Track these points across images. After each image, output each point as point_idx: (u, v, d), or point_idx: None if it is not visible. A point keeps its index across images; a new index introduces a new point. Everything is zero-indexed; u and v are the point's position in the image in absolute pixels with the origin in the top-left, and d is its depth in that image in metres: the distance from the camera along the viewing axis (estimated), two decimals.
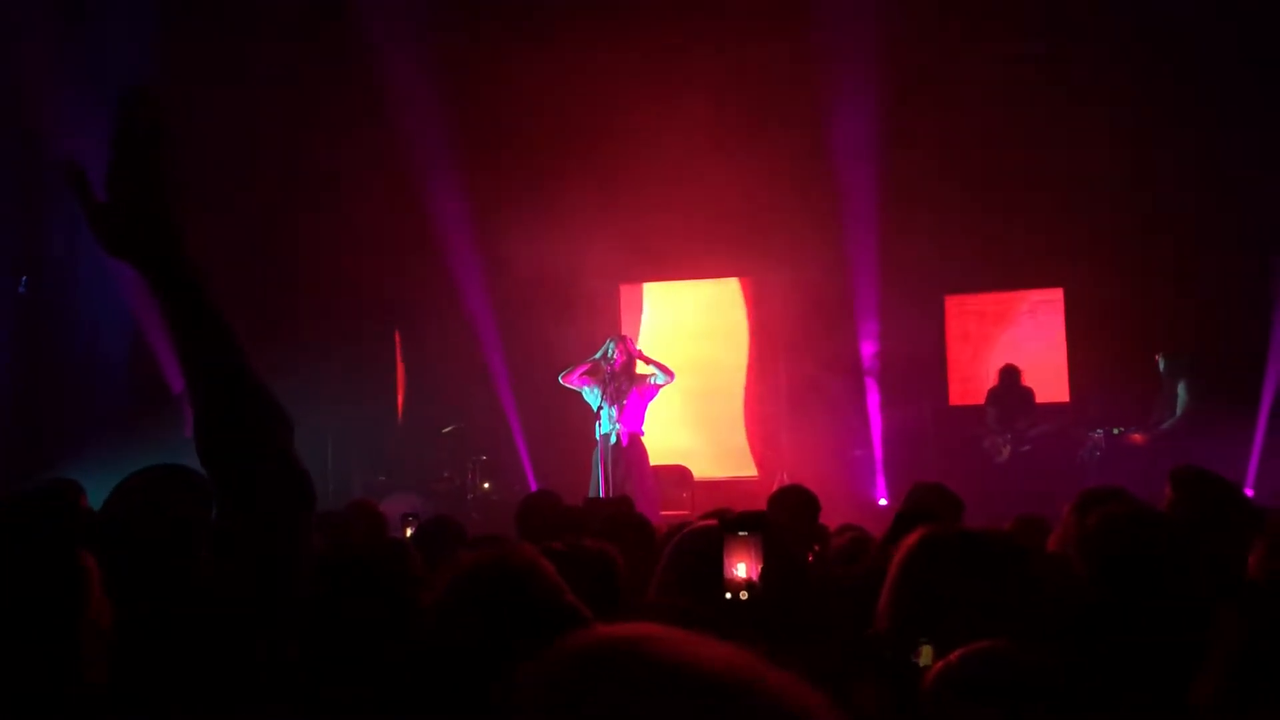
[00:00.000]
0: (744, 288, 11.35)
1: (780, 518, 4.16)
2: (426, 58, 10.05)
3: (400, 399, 11.67)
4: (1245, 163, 9.65)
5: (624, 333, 9.55)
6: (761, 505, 4.41)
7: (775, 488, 9.44)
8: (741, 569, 2.28)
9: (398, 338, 11.73)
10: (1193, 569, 2.68)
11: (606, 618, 1.76)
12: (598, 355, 8.70)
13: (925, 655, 1.84)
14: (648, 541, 3.55)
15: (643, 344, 9.06)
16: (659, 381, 8.62)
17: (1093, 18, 10.14)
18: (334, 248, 10.38)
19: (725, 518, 3.22)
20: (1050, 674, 1.67)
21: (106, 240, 1.40)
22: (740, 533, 2.30)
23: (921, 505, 4.16)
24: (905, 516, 3.50)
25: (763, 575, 2.26)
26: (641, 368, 8.63)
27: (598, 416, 8.53)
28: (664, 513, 8.44)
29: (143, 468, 2.83)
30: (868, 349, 10.64)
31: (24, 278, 9.76)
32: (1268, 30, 9.48)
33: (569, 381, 8.74)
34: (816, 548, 3.85)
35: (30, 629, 1.52)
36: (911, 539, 2.42)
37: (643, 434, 8.65)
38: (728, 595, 2.26)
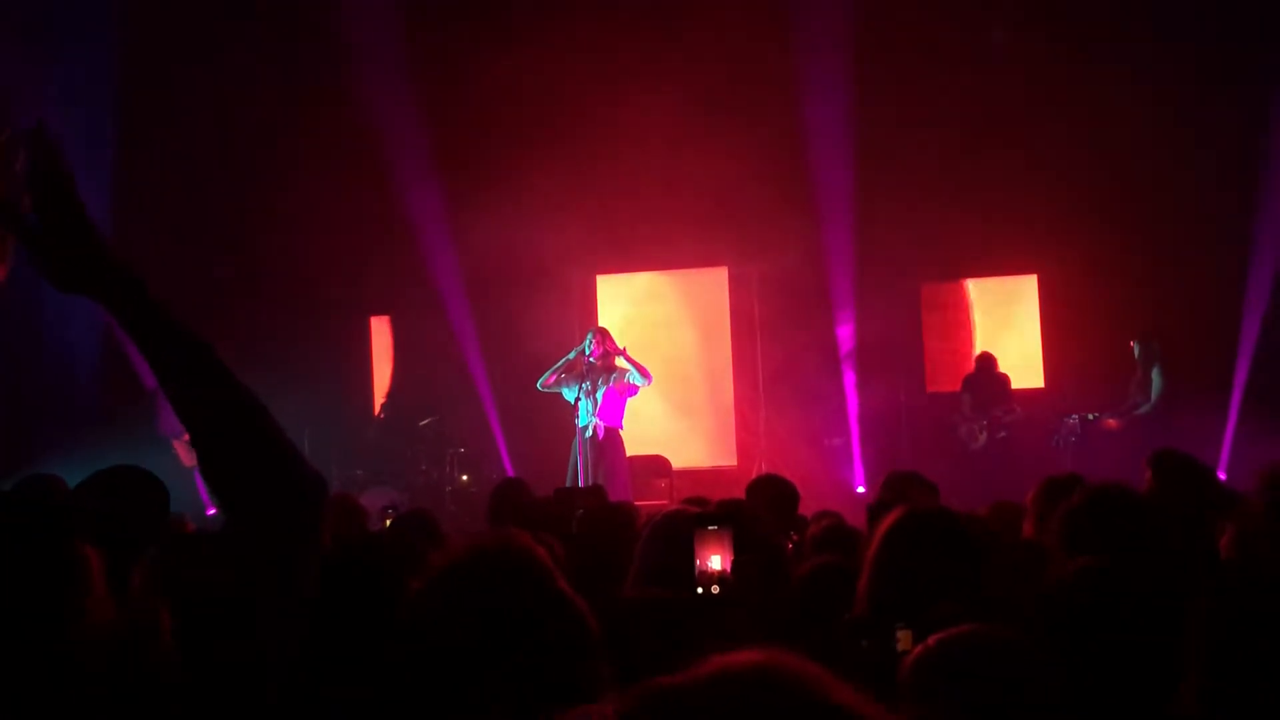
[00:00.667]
0: (722, 277, 11.33)
1: (758, 508, 4.16)
2: (400, 47, 9.99)
3: (375, 392, 11.61)
4: (1220, 149, 9.73)
5: (602, 324, 9.50)
6: (740, 494, 4.42)
7: (753, 476, 9.50)
8: (715, 561, 2.27)
9: (372, 331, 11.67)
10: (1172, 553, 2.70)
11: None
12: (573, 354, 8.66)
13: (904, 640, 1.84)
14: (630, 531, 3.54)
15: (621, 334, 9.02)
16: (635, 382, 8.56)
17: (1068, 4, 10.19)
18: (307, 239, 10.30)
19: (700, 506, 3.22)
20: (1031, 658, 1.66)
21: (55, 278, 1.40)
22: (711, 526, 2.29)
23: (897, 493, 4.19)
24: (879, 507, 3.52)
25: (734, 568, 2.25)
26: (620, 362, 8.59)
27: (575, 410, 8.51)
28: (640, 503, 8.43)
29: (103, 469, 2.83)
30: (844, 336, 10.67)
31: None
32: (1245, 25, 9.55)
33: (547, 386, 8.70)
34: (796, 537, 3.86)
35: (29, 627, 1.50)
36: (890, 518, 2.43)
37: (621, 428, 8.61)
38: (699, 589, 2.25)
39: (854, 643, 1.83)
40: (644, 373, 8.52)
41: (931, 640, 1.71)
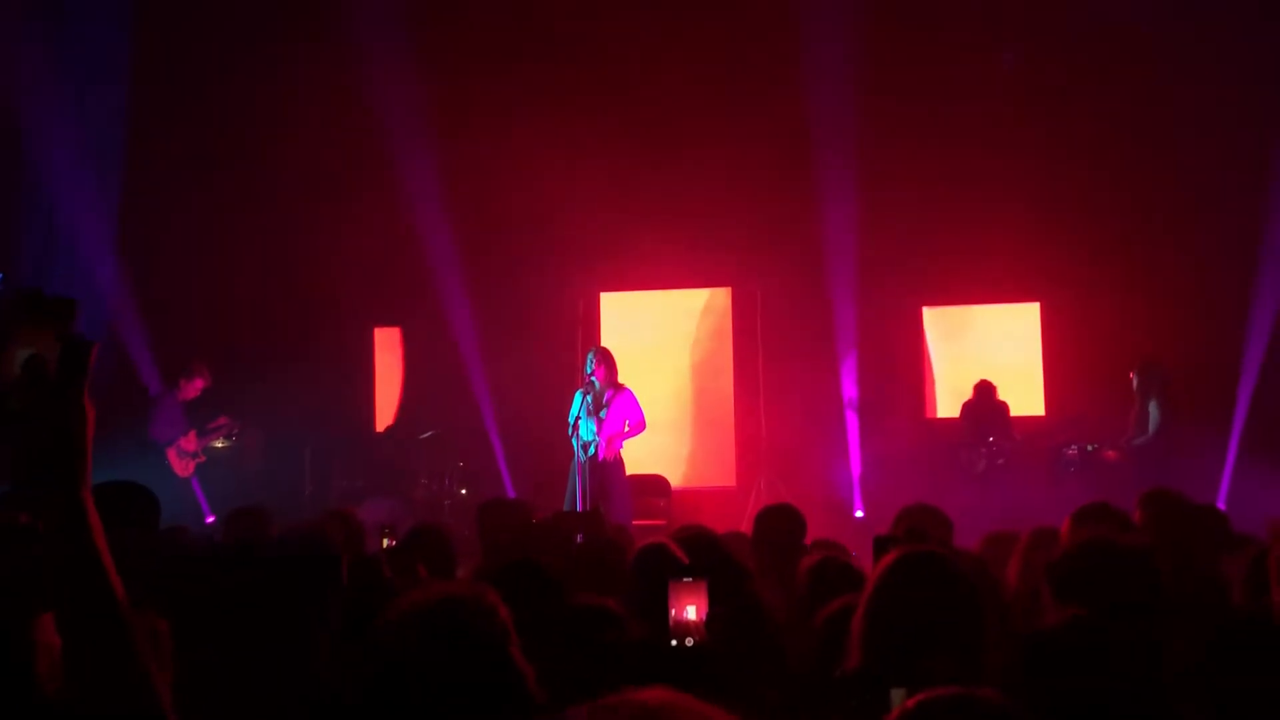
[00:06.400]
0: (724, 298, 11.34)
1: (771, 539, 4.15)
2: (408, 53, 9.99)
3: (378, 404, 11.60)
4: (1226, 182, 9.75)
5: (604, 344, 9.48)
6: (738, 514, 4.41)
7: (752, 497, 9.48)
8: (690, 612, 2.22)
9: (375, 343, 11.67)
10: (1164, 600, 2.69)
11: None
12: (578, 400, 8.56)
13: (898, 699, 1.82)
14: (617, 565, 3.53)
15: (625, 353, 8.98)
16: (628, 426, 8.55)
17: (1071, 27, 10.21)
18: (314, 251, 10.31)
19: (690, 538, 3.21)
20: None
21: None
22: (686, 578, 2.25)
23: (914, 525, 4.14)
24: (887, 541, 3.48)
25: (708, 621, 2.20)
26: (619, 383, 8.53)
27: (575, 430, 8.44)
28: (638, 522, 8.42)
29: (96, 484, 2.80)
30: (846, 359, 10.66)
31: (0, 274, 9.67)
32: (1246, 43, 9.57)
33: (574, 431, 8.57)
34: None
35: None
36: (885, 560, 2.39)
37: (621, 447, 8.57)
38: (674, 641, 2.19)
39: (846, 701, 1.81)
40: (636, 429, 8.52)
41: (911, 701, 1.65)
